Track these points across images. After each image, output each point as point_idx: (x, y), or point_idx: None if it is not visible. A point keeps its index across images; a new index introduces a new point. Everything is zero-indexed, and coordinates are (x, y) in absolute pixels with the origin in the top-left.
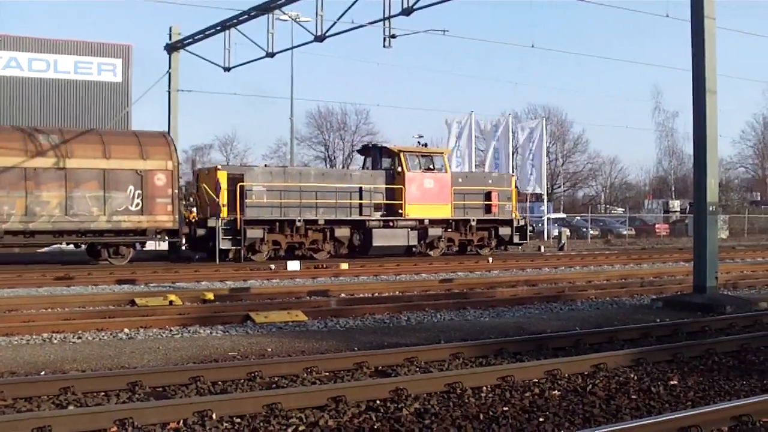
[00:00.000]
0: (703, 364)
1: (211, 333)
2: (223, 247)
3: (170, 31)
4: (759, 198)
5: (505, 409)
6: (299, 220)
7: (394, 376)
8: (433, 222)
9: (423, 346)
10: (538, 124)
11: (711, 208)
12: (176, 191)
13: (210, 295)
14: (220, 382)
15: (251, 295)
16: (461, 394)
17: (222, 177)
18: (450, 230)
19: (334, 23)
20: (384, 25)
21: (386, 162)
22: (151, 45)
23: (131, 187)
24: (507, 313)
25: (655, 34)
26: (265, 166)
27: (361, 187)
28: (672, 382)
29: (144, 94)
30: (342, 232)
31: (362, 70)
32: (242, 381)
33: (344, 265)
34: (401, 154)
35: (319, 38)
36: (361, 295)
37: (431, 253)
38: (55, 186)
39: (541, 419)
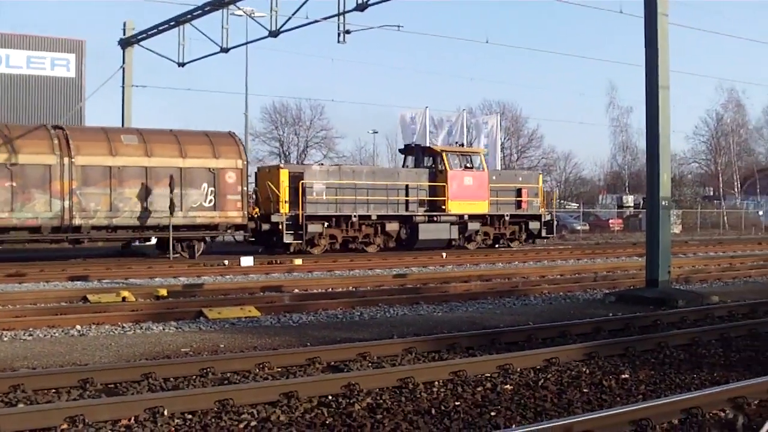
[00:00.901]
0: (654, 358)
1: (163, 329)
2: (287, 241)
3: (124, 26)
4: (712, 193)
5: (457, 403)
6: (355, 216)
7: (346, 371)
8: (472, 217)
9: (376, 341)
10: (493, 120)
11: (664, 203)
12: (245, 188)
13: (163, 292)
14: (172, 379)
15: (205, 291)
16: (413, 388)
17: (284, 175)
18: (485, 225)
19: (289, 18)
20: (338, 20)
21: (428, 161)
22: (106, 40)
23: (205, 185)
24: (460, 308)
25: (609, 30)
26: (321, 164)
27: (407, 185)
28: (623, 376)
29: (97, 89)
30: (392, 227)
31: (317, 65)
32: (194, 377)
33: (298, 261)
34: (444, 154)
35: (274, 33)
36: (315, 291)
37: (468, 246)
38: (137, 183)
39: (492, 413)
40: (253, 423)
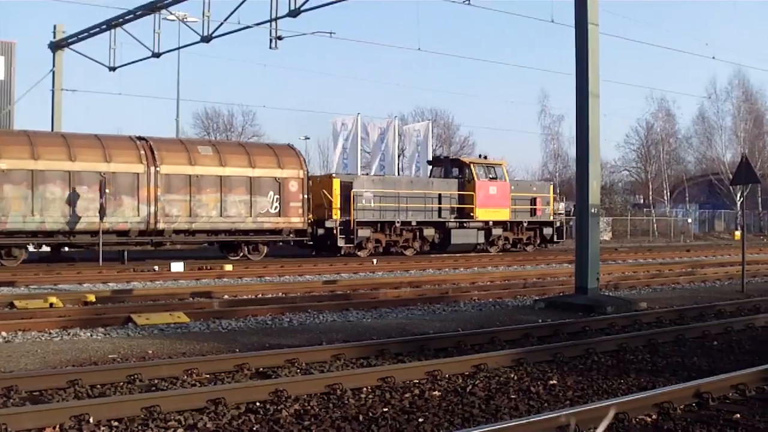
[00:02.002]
0: (582, 364)
1: (91, 335)
2: (340, 245)
3: (54, 29)
4: (642, 201)
5: (385, 410)
6: (398, 222)
7: (274, 377)
8: (496, 223)
9: (304, 347)
10: (425, 127)
11: (593, 210)
12: (306, 196)
13: (91, 297)
14: (99, 386)
15: (134, 297)
16: (341, 395)
17: (336, 184)
18: (506, 230)
19: (221, 24)
20: (271, 26)
21: (455, 171)
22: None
23: (271, 193)
24: (390, 315)
25: (541, 39)
26: (367, 174)
27: (440, 194)
28: (551, 382)
29: (26, 92)
30: (429, 232)
31: (249, 71)
32: (121, 384)
33: (228, 267)
34: (471, 165)
35: (206, 39)
36: (245, 297)
37: (491, 249)
38: (213, 191)
39: (420, 420)
40: (180, 430)
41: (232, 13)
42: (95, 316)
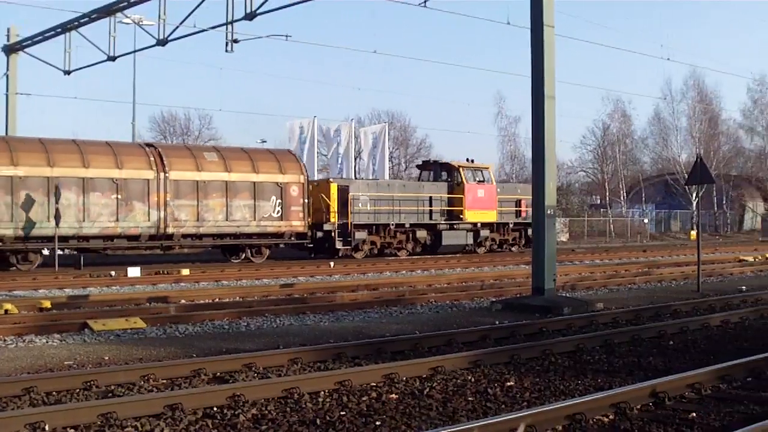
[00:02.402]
0: (539, 365)
1: (47, 342)
2: (338, 247)
3: (8, 32)
4: (598, 201)
5: (342, 413)
6: (392, 224)
7: (231, 382)
8: (483, 225)
9: (262, 351)
10: (381, 129)
11: (549, 211)
12: (306, 201)
13: (47, 303)
14: (54, 393)
15: (90, 303)
16: (298, 399)
17: (333, 188)
18: (493, 232)
19: (177, 27)
20: (227, 29)
21: (444, 175)
22: None
23: (273, 197)
24: (347, 318)
25: (498, 41)
26: (362, 179)
27: (431, 197)
28: (509, 384)
29: None
30: (421, 234)
31: (205, 74)
32: (77, 391)
33: (185, 271)
34: (460, 169)
35: (162, 42)
36: (202, 301)
37: (478, 250)
38: (219, 196)
39: (377, 423)
40: None
41: (187, 16)
42: (51, 323)
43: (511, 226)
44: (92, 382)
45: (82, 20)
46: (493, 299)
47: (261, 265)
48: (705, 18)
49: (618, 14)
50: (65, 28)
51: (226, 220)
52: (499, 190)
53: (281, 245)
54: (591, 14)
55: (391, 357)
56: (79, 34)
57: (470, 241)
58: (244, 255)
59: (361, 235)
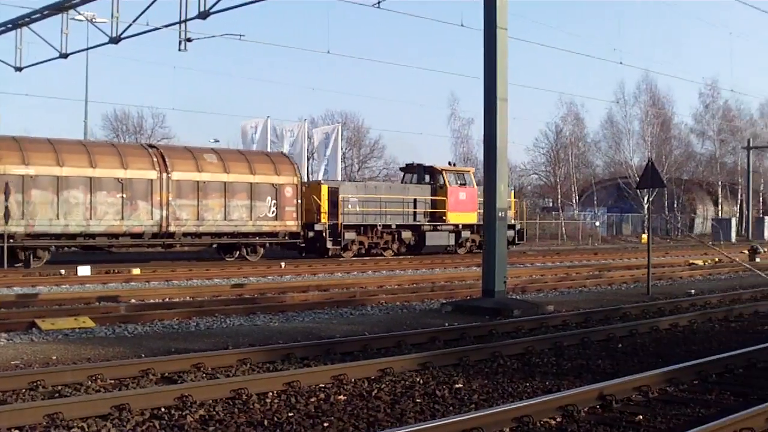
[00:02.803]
0: (488, 367)
1: None
2: (329, 246)
3: None
4: (551, 204)
5: (290, 414)
6: (379, 225)
7: (180, 382)
8: (464, 226)
9: (211, 351)
10: (334, 130)
11: (500, 214)
12: (299, 201)
13: None
14: (0, 393)
15: (38, 301)
16: (247, 400)
17: (324, 189)
18: (473, 233)
19: (130, 25)
20: (180, 28)
21: (427, 178)
22: None
23: (269, 198)
24: (297, 318)
25: (451, 43)
26: (350, 181)
27: (415, 199)
28: (457, 386)
29: None
30: (407, 234)
31: (159, 73)
32: (23, 391)
33: (136, 271)
34: (444, 172)
35: (115, 40)
36: (152, 301)
37: (459, 251)
38: (218, 196)
39: (325, 424)
40: None
41: (141, 14)
42: None
43: None
44: (39, 382)
45: (33, 16)
46: (444, 301)
47: (211, 265)
48: (658, 23)
49: (572, 18)
50: (16, 24)
51: (225, 219)
52: (479, 192)
53: (275, 245)
54: (545, 17)
55: (341, 358)
56: (30, 30)
57: (452, 242)
58: (238, 253)
59: (350, 235)
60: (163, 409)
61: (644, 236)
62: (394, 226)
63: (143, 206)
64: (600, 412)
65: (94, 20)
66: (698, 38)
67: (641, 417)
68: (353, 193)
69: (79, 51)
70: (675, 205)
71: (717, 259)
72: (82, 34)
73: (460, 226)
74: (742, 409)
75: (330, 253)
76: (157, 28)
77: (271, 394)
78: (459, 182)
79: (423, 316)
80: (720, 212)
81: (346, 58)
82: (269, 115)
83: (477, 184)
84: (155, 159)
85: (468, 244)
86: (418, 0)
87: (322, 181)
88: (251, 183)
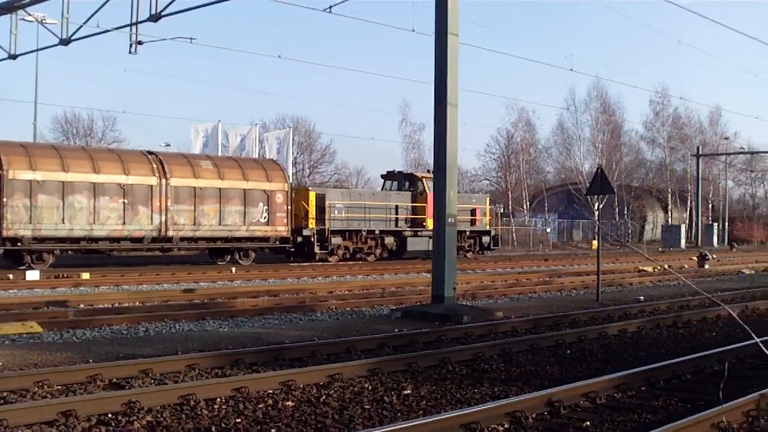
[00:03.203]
0: (437, 374)
1: None
2: (317, 251)
3: None
4: (502, 210)
5: (238, 420)
6: (364, 230)
7: (127, 388)
8: None
9: (159, 357)
10: (286, 134)
11: (450, 220)
12: (290, 207)
13: None
14: None
15: None
16: (195, 405)
17: (312, 196)
18: None
19: (80, 27)
20: (131, 30)
21: (407, 184)
22: None
23: (261, 204)
24: (247, 324)
25: (403, 48)
26: (335, 187)
27: (397, 205)
28: (406, 392)
29: None
30: (389, 240)
31: (109, 75)
32: None
33: (85, 275)
34: (424, 179)
35: (65, 41)
36: (101, 306)
37: None
38: (213, 202)
39: (273, 430)
40: None
41: (91, 16)
42: None
43: (467, 233)
44: None
45: None
46: (394, 307)
47: (161, 270)
48: (608, 31)
49: (523, 24)
50: None
51: (220, 224)
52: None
53: (266, 249)
54: (497, 24)
55: (290, 364)
56: None
57: (431, 246)
58: (229, 257)
59: (336, 240)
60: (110, 415)
61: (595, 242)
62: (377, 232)
63: (143, 211)
64: (548, 419)
65: (44, 21)
66: (648, 46)
67: (589, 423)
68: (339, 200)
69: (28, 52)
70: (625, 212)
71: (666, 266)
72: (32, 35)
73: None
74: (689, 415)
75: (317, 258)
76: (108, 30)
77: (219, 399)
78: None
79: (373, 322)
80: (670, 219)
81: (297, 62)
82: (220, 119)
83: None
84: (155, 165)
85: None
86: (371, 3)
87: (309, 188)
88: (244, 189)
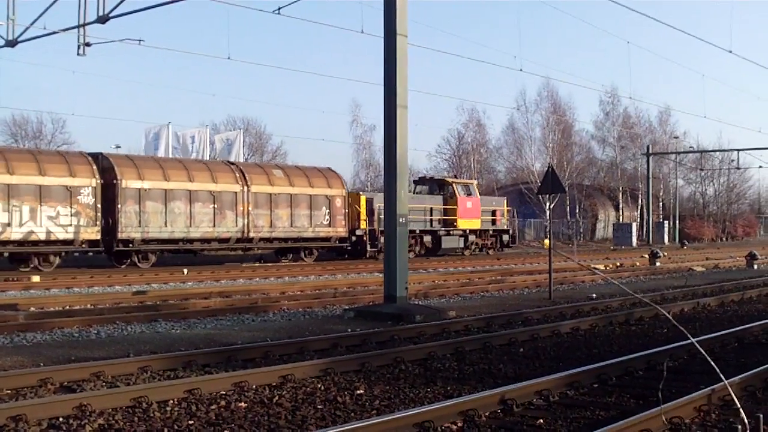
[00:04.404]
0: (390, 373)
1: None
2: (369, 249)
3: None
4: None
5: (191, 422)
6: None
7: (79, 391)
8: (471, 231)
9: (111, 359)
10: (236, 136)
11: (401, 220)
12: (347, 210)
13: None
14: None
15: None
16: (147, 408)
17: (363, 200)
18: (477, 237)
19: (27, 28)
20: (79, 32)
21: (437, 189)
22: None
23: (324, 207)
24: (199, 325)
25: (353, 49)
26: (381, 193)
27: (432, 207)
28: (359, 392)
29: None
30: (428, 238)
31: (58, 77)
32: None
33: (36, 278)
34: (454, 184)
35: (12, 43)
36: (52, 309)
37: (465, 252)
38: (285, 206)
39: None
40: None
41: (38, 17)
42: None
43: (490, 232)
44: None
45: None
46: (346, 307)
47: (114, 272)
48: (557, 31)
49: (473, 25)
50: None
51: (291, 226)
52: (482, 202)
53: (328, 249)
54: (445, 24)
55: (242, 365)
56: None
57: (461, 244)
58: (292, 255)
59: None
60: (61, 419)
61: (546, 241)
62: (417, 231)
63: (230, 215)
64: (501, 417)
65: None
66: (598, 46)
67: (542, 421)
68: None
69: None
70: (577, 211)
71: (618, 264)
72: None
73: (468, 231)
74: (641, 411)
75: (368, 255)
76: (56, 32)
77: (171, 401)
78: (465, 192)
79: (325, 322)
80: (621, 217)
81: (247, 64)
82: (171, 120)
83: (480, 194)
84: (237, 174)
85: (473, 246)
86: (320, 4)
87: (360, 193)
88: (310, 195)
